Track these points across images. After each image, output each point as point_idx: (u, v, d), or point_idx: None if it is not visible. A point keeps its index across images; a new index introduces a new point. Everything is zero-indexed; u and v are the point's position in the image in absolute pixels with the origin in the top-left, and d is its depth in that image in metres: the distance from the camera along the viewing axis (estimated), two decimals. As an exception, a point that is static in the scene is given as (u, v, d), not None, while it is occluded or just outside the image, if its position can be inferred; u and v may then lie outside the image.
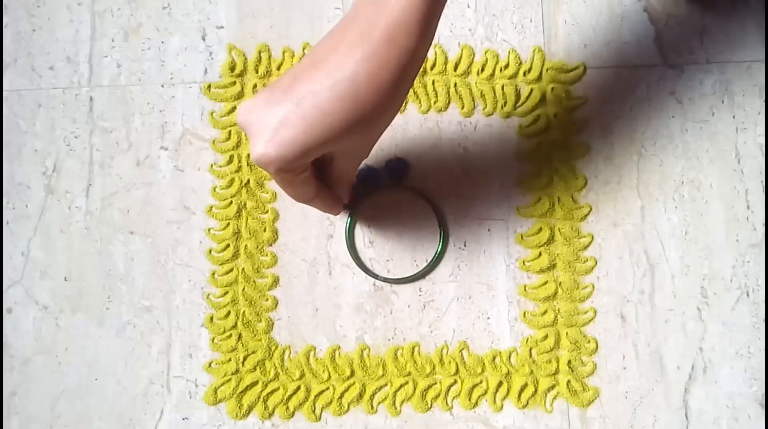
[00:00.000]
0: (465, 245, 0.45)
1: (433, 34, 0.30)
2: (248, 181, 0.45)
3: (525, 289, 0.44)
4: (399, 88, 0.29)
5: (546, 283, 0.44)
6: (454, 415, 0.43)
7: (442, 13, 0.30)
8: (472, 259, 0.45)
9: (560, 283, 0.44)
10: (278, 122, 0.29)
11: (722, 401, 0.43)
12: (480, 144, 0.45)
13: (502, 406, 0.43)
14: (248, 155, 0.45)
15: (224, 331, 0.44)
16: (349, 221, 0.44)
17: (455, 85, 0.46)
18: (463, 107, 0.45)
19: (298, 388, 0.43)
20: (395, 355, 0.44)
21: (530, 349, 0.44)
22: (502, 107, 0.45)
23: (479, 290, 0.44)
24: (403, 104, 0.46)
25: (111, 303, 0.44)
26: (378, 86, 0.28)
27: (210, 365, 0.44)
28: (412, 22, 0.28)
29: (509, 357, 0.43)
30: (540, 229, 0.45)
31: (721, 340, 0.44)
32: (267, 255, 0.45)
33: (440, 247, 0.44)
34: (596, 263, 0.44)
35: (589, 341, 0.44)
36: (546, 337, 0.44)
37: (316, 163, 0.34)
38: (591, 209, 0.45)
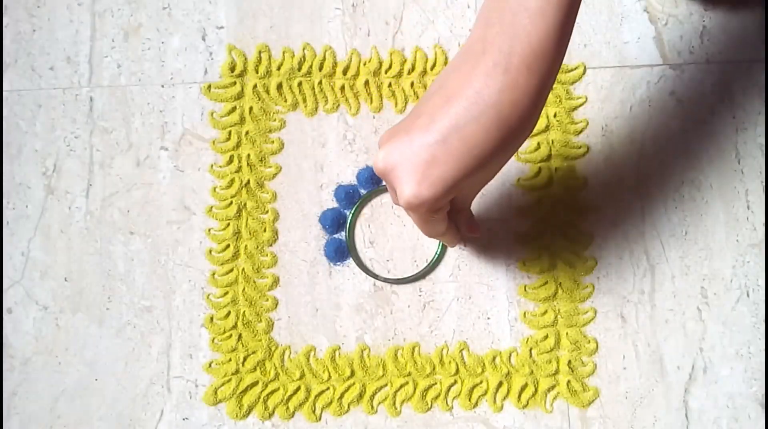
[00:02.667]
0: (465, 245, 0.45)
1: (564, 54, 0.30)
2: (248, 181, 0.45)
3: (525, 289, 0.44)
4: (538, 108, 0.29)
5: (546, 283, 0.44)
6: (454, 415, 0.43)
7: (571, 33, 0.30)
8: (472, 259, 0.45)
9: (560, 283, 0.44)
10: (426, 162, 0.28)
11: (722, 401, 0.43)
12: (480, 144, 0.45)
13: (502, 407, 0.43)
14: (248, 156, 0.45)
15: (224, 332, 0.44)
16: (349, 221, 0.44)
17: (455, 85, 0.45)
18: (463, 107, 0.45)
19: (298, 388, 0.43)
20: (395, 355, 0.44)
21: (530, 349, 0.44)
22: (502, 107, 0.45)
23: (479, 290, 0.44)
24: (403, 104, 0.46)
25: (111, 303, 0.44)
26: (521, 112, 0.28)
27: (210, 365, 0.44)
28: (549, 48, 0.28)
29: (509, 357, 0.43)
30: (540, 230, 0.45)
31: (721, 340, 0.44)
32: (267, 255, 0.45)
33: (440, 247, 0.44)
34: (596, 263, 0.44)
35: (589, 341, 0.44)
36: (546, 337, 0.44)
37: None
38: (591, 209, 0.45)
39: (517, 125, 0.28)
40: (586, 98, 0.46)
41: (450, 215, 0.35)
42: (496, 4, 0.28)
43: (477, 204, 0.45)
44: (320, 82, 0.46)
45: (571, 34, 0.29)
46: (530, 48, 0.27)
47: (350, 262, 0.44)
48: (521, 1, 0.27)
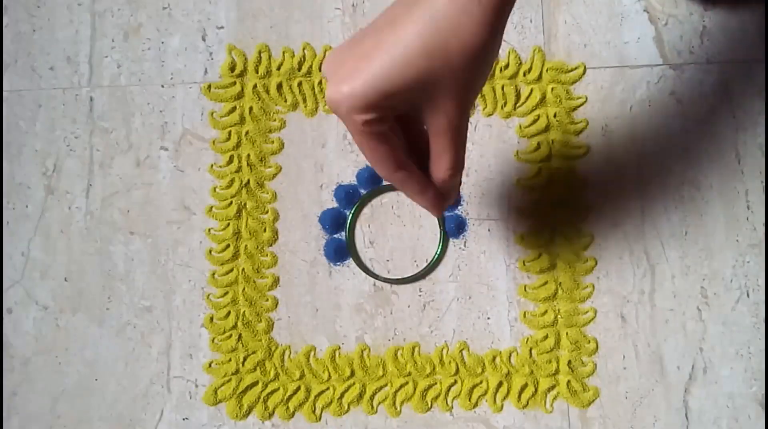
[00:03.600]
0: (465, 245, 0.45)
1: None
2: (248, 181, 0.45)
3: (525, 289, 0.44)
4: (492, 28, 0.27)
5: (546, 283, 0.44)
6: (454, 415, 0.43)
7: None
8: (472, 259, 0.45)
9: (560, 283, 0.44)
10: (357, 58, 0.27)
11: (722, 401, 0.43)
12: (480, 144, 0.45)
13: (502, 407, 0.43)
14: (248, 156, 0.45)
15: (224, 332, 0.44)
16: (349, 221, 0.44)
17: (455, 85, 0.45)
18: (463, 107, 0.45)
19: (299, 388, 0.43)
20: (395, 355, 0.44)
21: (530, 349, 0.44)
22: (502, 107, 0.45)
23: (479, 290, 0.44)
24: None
25: (111, 303, 0.44)
26: (472, 23, 0.26)
27: (210, 365, 0.44)
28: None
29: (509, 357, 0.43)
30: (540, 230, 0.45)
31: (721, 340, 0.44)
32: (267, 255, 0.45)
33: (440, 247, 0.44)
34: (596, 263, 0.44)
35: (589, 341, 0.44)
36: (546, 337, 0.44)
37: (406, 130, 0.31)
38: (591, 209, 0.45)
39: (462, 34, 0.26)
40: (586, 98, 0.46)
41: (430, 160, 0.31)
42: None
43: (477, 204, 0.45)
44: (320, 82, 0.46)
45: None
46: None
47: (350, 262, 0.44)
48: None
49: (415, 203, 0.44)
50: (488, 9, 0.27)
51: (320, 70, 0.28)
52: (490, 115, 0.45)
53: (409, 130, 0.31)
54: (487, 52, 0.28)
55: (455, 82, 0.28)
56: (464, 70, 0.28)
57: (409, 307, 0.44)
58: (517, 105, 0.45)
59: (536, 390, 0.43)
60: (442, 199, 0.32)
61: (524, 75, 0.46)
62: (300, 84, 0.46)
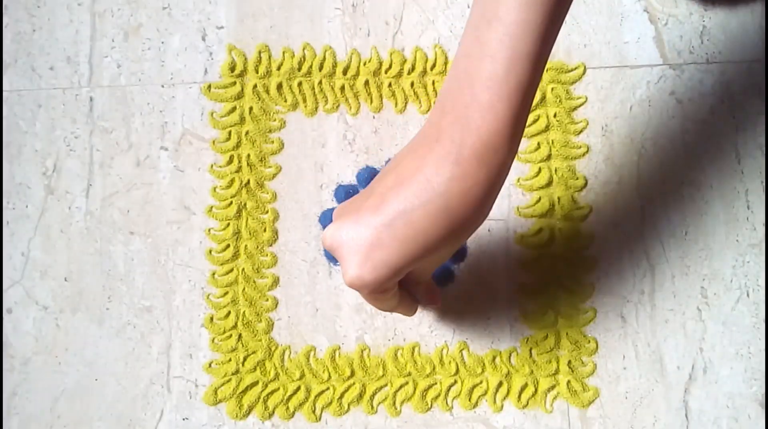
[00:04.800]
0: (465, 245, 0.45)
1: (518, 145, 0.29)
2: (248, 181, 0.45)
3: (525, 290, 0.44)
4: (489, 199, 0.29)
5: (546, 283, 0.44)
6: (454, 415, 0.43)
7: (525, 123, 0.29)
8: (472, 260, 0.45)
9: (560, 283, 0.44)
10: (370, 244, 0.28)
11: (722, 401, 0.43)
12: (480, 144, 0.45)
13: (502, 407, 0.43)
14: (248, 156, 0.45)
15: (224, 332, 0.44)
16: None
17: (455, 85, 0.45)
18: (463, 107, 0.45)
19: (298, 388, 0.43)
20: (395, 355, 0.44)
21: (530, 349, 0.44)
22: (502, 107, 0.45)
23: (479, 290, 0.44)
24: (403, 104, 0.46)
25: (111, 303, 0.44)
26: (470, 202, 0.28)
27: (210, 365, 0.44)
28: (501, 141, 0.28)
29: (509, 357, 0.43)
30: (540, 230, 0.45)
31: (721, 340, 0.44)
32: (267, 255, 0.45)
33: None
34: (596, 263, 0.44)
35: (589, 341, 0.44)
36: (546, 337, 0.44)
37: None
38: (591, 209, 0.45)
39: (465, 215, 0.28)
40: (586, 98, 0.46)
41: (408, 287, 0.35)
42: (451, 91, 0.28)
43: (477, 204, 0.45)
44: (320, 82, 0.46)
45: (524, 127, 0.29)
46: (480, 142, 0.27)
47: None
48: (474, 94, 0.27)
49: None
50: (493, 185, 0.29)
51: (323, 241, 0.31)
52: (490, 115, 0.45)
53: None
54: (486, 215, 0.30)
55: (450, 250, 0.31)
56: (464, 240, 0.31)
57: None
58: (517, 105, 0.45)
59: (536, 390, 0.43)
60: (416, 303, 0.37)
61: (524, 75, 0.46)
62: (300, 84, 0.46)
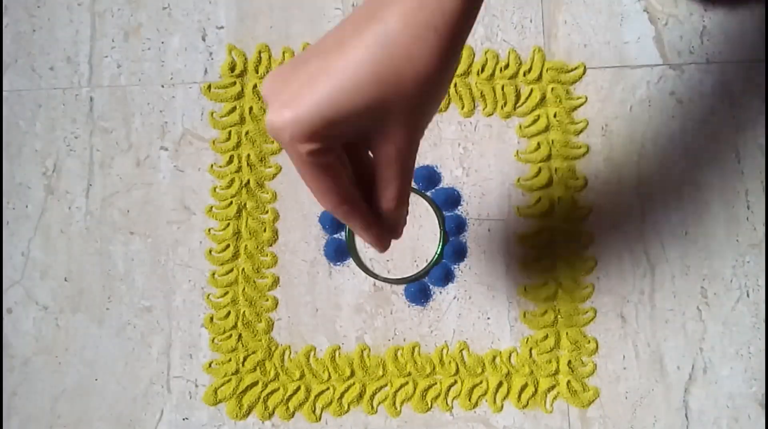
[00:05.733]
0: (465, 245, 0.45)
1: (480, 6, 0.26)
2: (248, 181, 0.45)
3: (525, 289, 0.44)
4: (446, 57, 0.26)
5: (546, 283, 0.44)
6: (454, 415, 0.43)
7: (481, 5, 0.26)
8: (472, 259, 0.45)
9: (560, 283, 0.44)
10: (301, 81, 0.25)
11: (722, 401, 0.43)
12: (480, 144, 0.45)
13: (502, 407, 0.43)
14: (248, 156, 0.45)
15: (224, 332, 0.44)
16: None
17: (455, 85, 0.45)
18: (463, 107, 0.45)
19: (298, 388, 0.43)
20: (395, 355, 0.44)
21: (530, 350, 0.44)
22: (502, 107, 0.45)
23: (479, 290, 0.44)
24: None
25: (111, 303, 0.44)
26: (425, 50, 0.25)
27: (210, 365, 0.44)
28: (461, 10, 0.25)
29: (509, 357, 0.43)
30: (540, 230, 0.45)
31: (721, 340, 0.44)
32: (267, 255, 0.45)
33: (440, 247, 0.44)
34: (596, 263, 0.44)
35: (589, 341, 0.44)
36: (546, 337, 0.44)
37: (351, 159, 0.29)
38: (591, 209, 0.45)
39: (418, 67, 0.25)
40: (586, 98, 0.46)
41: (375, 192, 0.29)
42: None
43: (476, 204, 0.45)
44: (320, 82, 0.46)
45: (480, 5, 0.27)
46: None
47: (350, 262, 0.44)
48: None
49: (413, 203, 0.44)
50: (445, 37, 0.25)
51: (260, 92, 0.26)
52: (490, 115, 0.45)
53: (355, 158, 0.29)
54: (441, 81, 0.26)
55: (407, 110, 0.27)
56: (417, 98, 0.26)
57: (409, 307, 0.44)
58: (517, 105, 0.45)
59: (536, 390, 0.43)
60: (388, 233, 0.31)
61: (524, 75, 0.46)
62: (300, 84, 0.46)
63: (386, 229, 0.31)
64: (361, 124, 0.26)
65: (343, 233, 0.45)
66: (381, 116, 0.26)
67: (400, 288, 0.44)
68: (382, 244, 0.31)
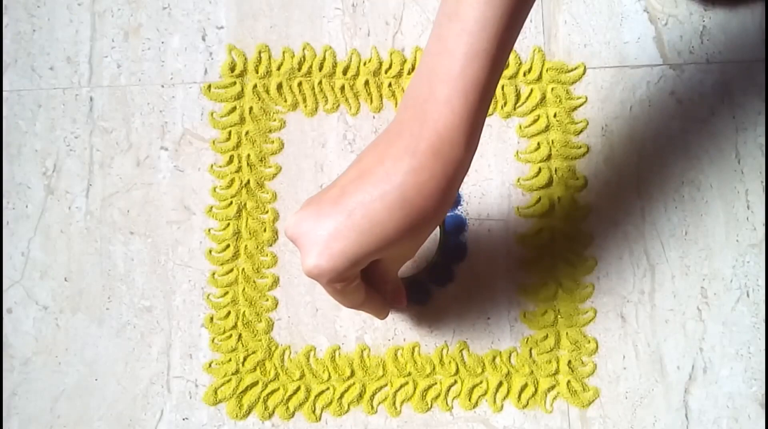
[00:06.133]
0: (465, 245, 0.45)
1: (478, 143, 0.30)
2: (248, 181, 0.45)
3: (525, 289, 0.44)
4: (446, 194, 0.29)
5: (546, 283, 0.44)
6: (454, 415, 0.43)
7: (484, 123, 0.30)
8: (472, 260, 0.45)
9: (560, 283, 0.44)
10: (329, 234, 0.29)
11: (722, 401, 0.43)
12: (480, 144, 0.45)
13: (502, 407, 0.43)
14: (248, 156, 0.45)
15: (224, 332, 0.44)
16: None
17: (455, 85, 0.45)
18: (463, 107, 0.45)
19: (298, 388, 0.43)
20: (395, 355, 0.44)
21: (530, 350, 0.44)
22: (502, 107, 0.45)
23: (479, 290, 0.44)
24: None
25: (111, 303, 0.44)
26: (426, 195, 0.29)
27: (210, 365, 0.44)
28: (456, 136, 0.28)
29: (509, 357, 0.43)
30: (540, 229, 0.45)
31: (721, 340, 0.44)
32: (267, 255, 0.45)
33: (440, 247, 0.44)
34: (596, 263, 0.44)
35: (589, 341, 0.44)
36: (546, 337, 0.44)
37: (363, 269, 0.34)
38: (591, 209, 0.45)
39: (422, 208, 0.29)
40: (586, 98, 0.46)
41: (375, 286, 0.35)
42: (414, 87, 0.29)
43: (477, 204, 0.45)
44: (320, 82, 0.46)
45: (482, 124, 0.30)
46: (437, 135, 0.28)
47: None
48: (432, 89, 0.28)
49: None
50: (449, 179, 0.29)
51: (285, 231, 0.31)
52: (490, 115, 0.45)
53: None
54: (445, 212, 0.30)
55: (411, 245, 0.32)
56: (424, 235, 0.31)
57: (408, 307, 0.44)
58: (517, 105, 0.45)
59: (536, 390, 0.43)
60: (387, 304, 0.37)
61: (524, 75, 0.46)
62: (300, 84, 0.46)
63: (391, 302, 0.38)
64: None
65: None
66: (399, 241, 0.30)
67: (400, 288, 0.44)
68: (383, 316, 0.39)
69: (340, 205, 0.29)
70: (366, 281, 0.34)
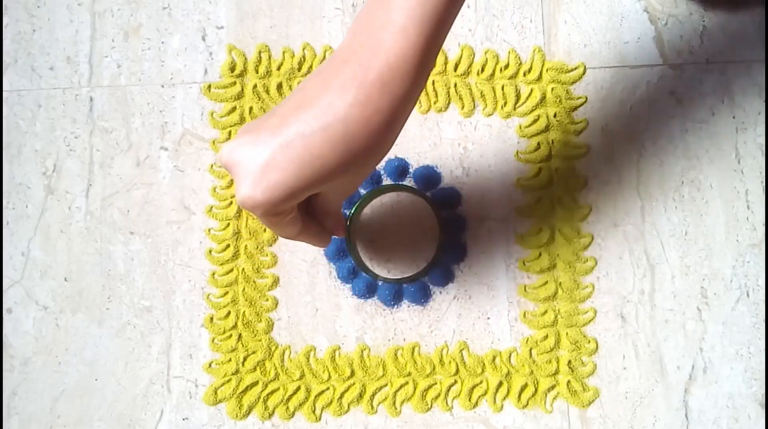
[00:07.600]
0: (465, 246, 0.45)
1: (426, 80, 0.29)
2: (248, 181, 0.45)
3: (525, 289, 0.44)
4: (391, 130, 0.28)
5: (546, 283, 0.44)
6: (454, 415, 0.43)
7: (435, 60, 0.29)
8: (472, 259, 0.45)
9: (560, 283, 0.44)
10: (265, 164, 0.28)
11: (722, 401, 0.43)
12: (480, 144, 0.45)
13: (502, 407, 0.43)
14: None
15: (224, 332, 0.44)
16: (349, 221, 0.44)
17: (455, 85, 0.46)
18: (463, 107, 0.45)
19: (298, 388, 0.43)
20: (395, 355, 0.44)
21: (530, 350, 0.44)
22: (502, 107, 0.45)
23: (479, 290, 0.44)
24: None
25: (111, 303, 0.44)
26: (370, 130, 0.28)
27: (210, 365, 0.44)
28: (407, 68, 0.27)
29: (509, 357, 0.43)
30: (540, 229, 0.45)
31: (721, 340, 0.44)
32: (267, 255, 0.45)
33: (440, 247, 0.44)
34: (596, 263, 0.44)
35: (589, 341, 0.44)
36: (546, 337, 0.44)
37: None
38: (591, 209, 0.45)
39: (364, 144, 0.28)
40: (586, 98, 0.46)
41: (316, 217, 0.34)
42: (367, 13, 0.28)
43: (476, 204, 0.45)
44: (320, 82, 0.46)
45: (435, 59, 0.29)
46: (387, 65, 0.27)
47: (350, 262, 0.44)
48: (387, 15, 0.27)
49: (413, 203, 0.44)
50: (394, 115, 0.28)
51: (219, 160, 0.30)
52: (490, 115, 0.45)
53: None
54: (388, 148, 0.29)
55: (353, 179, 0.31)
56: (366, 171, 0.30)
57: (409, 307, 0.44)
58: (517, 105, 0.45)
59: (536, 390, 0.43)
60: (327, 234, 0.36)
61: (524, 75, 0.46)
62: (300, 84, 0.46)
63: (331, 233, 0.36)
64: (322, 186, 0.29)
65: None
66: (339, 176, 0.29)
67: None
68: (324, 245, 0.37)
69: (279, 134, 0.28)
70: (305, 211, 0.33)
